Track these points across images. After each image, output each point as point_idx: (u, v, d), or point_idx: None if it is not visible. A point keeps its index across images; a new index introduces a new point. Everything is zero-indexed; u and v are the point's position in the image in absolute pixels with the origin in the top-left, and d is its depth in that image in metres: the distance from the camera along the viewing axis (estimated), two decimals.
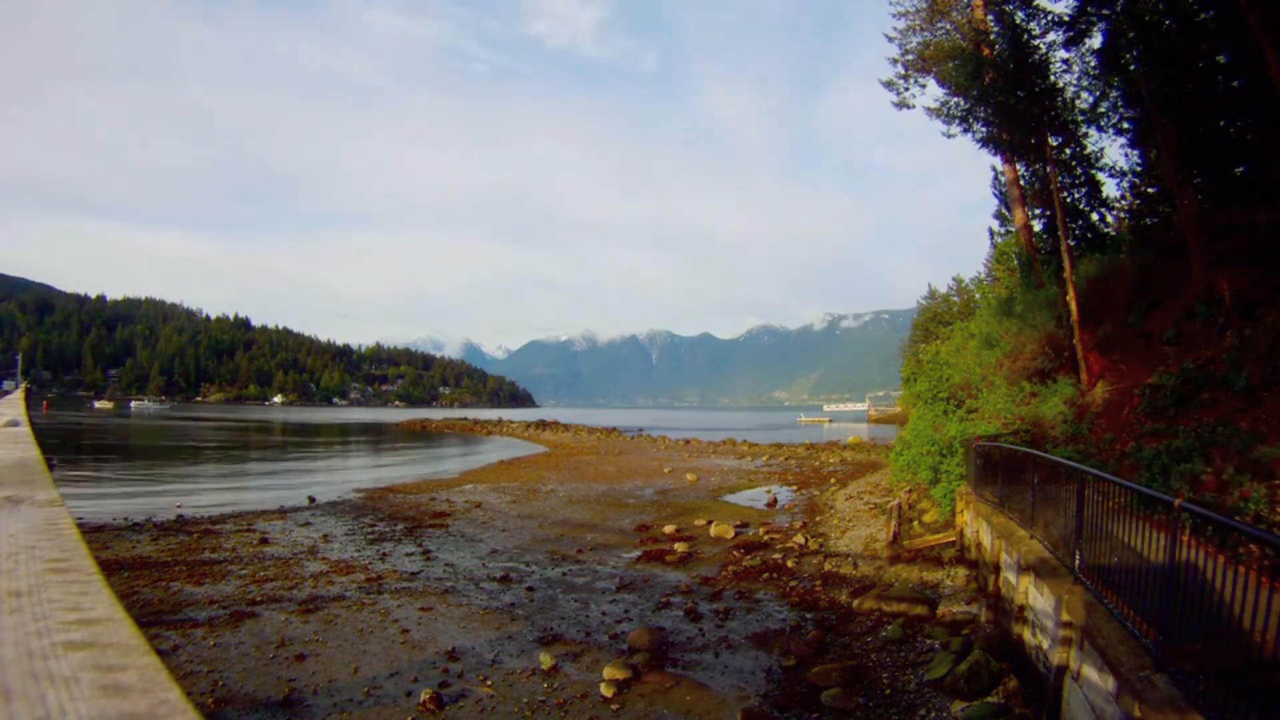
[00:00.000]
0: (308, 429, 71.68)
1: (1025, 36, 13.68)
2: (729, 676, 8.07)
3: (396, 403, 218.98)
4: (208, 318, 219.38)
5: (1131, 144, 15.18)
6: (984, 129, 14.72)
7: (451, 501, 21.06)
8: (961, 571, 10.75)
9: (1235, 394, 8.87)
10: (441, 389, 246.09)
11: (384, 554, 13.93)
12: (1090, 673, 4.89)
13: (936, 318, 39.23)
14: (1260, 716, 3.31)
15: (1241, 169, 12.47)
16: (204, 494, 22.26)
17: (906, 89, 19.12)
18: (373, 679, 7.71)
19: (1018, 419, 13.00)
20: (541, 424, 71.90)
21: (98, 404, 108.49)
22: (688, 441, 50.86)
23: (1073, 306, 13.27)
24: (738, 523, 17.34)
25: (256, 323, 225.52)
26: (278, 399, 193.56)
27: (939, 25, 18.42)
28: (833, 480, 26.37)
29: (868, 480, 24.12)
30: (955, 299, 40.20)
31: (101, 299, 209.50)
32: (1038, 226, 17.95)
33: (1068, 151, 15.85)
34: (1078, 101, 14.80)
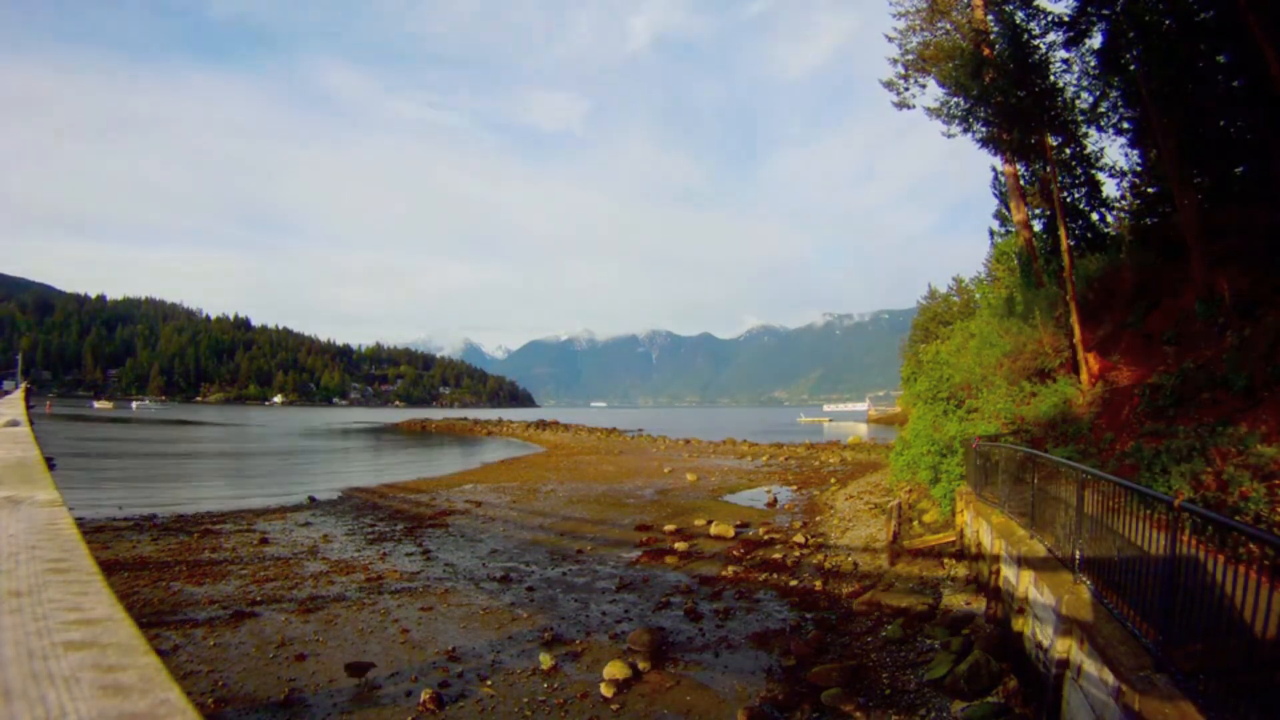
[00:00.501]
0: (307, 429, 71.70)
1: (1025, 36, 13.67)
2: (729, 676, 8.07)
3: (397, 403, 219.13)
4: (208, 317, 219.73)
5: (1131, 144, 15.17)
6: (984, 129, 14.70)
7: (451, 501, 21.07)
8: (962, 571, 10.74)
9: (1235, 394, 8.86)
10: (441, 389, 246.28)
11: (384, 554, 13.94)
12: (1090, 672, 4.89)
13: (937, 317, 39.30)
14: (1260, 716, 3.31)
15: (1241, 169, 12.45)
16: (204, 494, 22.29)
17: (906, 89, 19.12)
18: (373, 679, 7.72)
19: (1018, 419, 13.01)
20: (541, 424, 71.94)
21: (97, 404, 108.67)
22: (688, 441, 50.94)
23: (1073, 306, 13.27)
24: (738, 522, 17.33)
25: (256, 323, 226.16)
26: (278, 399, 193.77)
27: (939, 25, 18.42)
28: (833, 480, 26.35)
29: (868, 480, 24.12)
30: (955, 299, 40.25)
31: (101, 299, 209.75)
32: (1038, 226, 17.96)
33: (1068, 151, 15.85)
34: (1078, 101, 14.78)
